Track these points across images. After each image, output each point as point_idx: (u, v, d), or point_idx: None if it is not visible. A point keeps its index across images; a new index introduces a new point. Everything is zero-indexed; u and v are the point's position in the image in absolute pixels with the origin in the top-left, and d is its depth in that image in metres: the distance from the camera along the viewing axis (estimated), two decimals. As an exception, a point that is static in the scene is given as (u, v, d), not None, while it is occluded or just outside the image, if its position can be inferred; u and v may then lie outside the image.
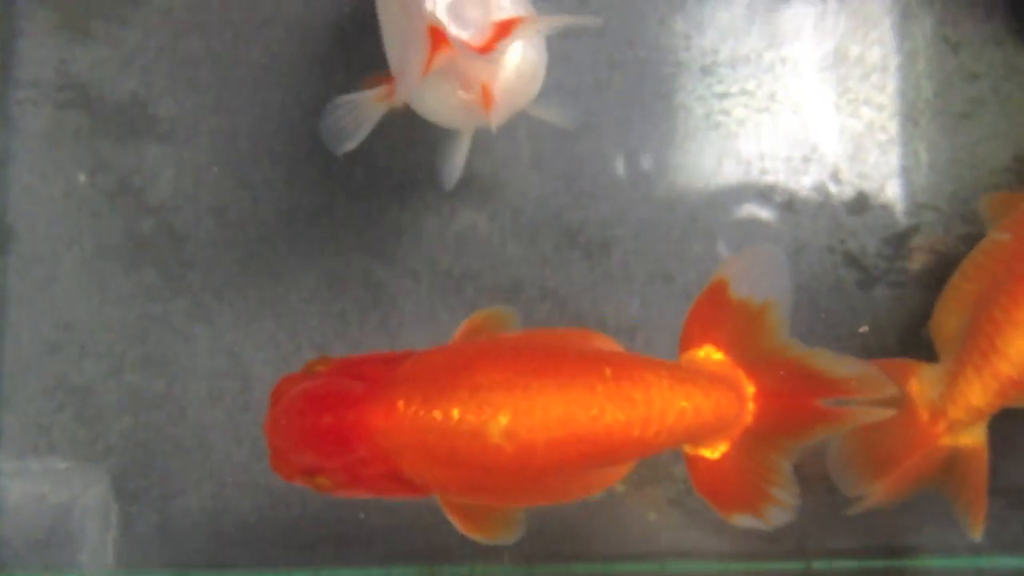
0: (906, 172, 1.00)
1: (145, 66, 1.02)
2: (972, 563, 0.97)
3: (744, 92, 1.01)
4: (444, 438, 0.71)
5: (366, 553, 0.97)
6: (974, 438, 0.85)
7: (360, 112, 0.85)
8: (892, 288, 0.99)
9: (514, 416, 0.71)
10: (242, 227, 1.00)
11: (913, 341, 0.97)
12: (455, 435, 0.71)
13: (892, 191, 1.00)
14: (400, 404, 0.72)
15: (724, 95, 1.01)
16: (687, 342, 0.79)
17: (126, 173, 1.01)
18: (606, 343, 0.79)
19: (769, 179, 1.00)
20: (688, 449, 0.79)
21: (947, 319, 0.86)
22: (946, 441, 0.85)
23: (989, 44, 1.00)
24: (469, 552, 0.97)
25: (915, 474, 0.85)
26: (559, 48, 1.01)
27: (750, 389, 0.78)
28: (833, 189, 1.00)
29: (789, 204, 1.00)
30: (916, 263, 0.99)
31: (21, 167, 1.01)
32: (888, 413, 0.75)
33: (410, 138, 1.01)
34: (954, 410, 0.84)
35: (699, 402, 0.74)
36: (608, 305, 0.99)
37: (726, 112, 1.01)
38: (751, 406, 0.77)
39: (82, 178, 1.01)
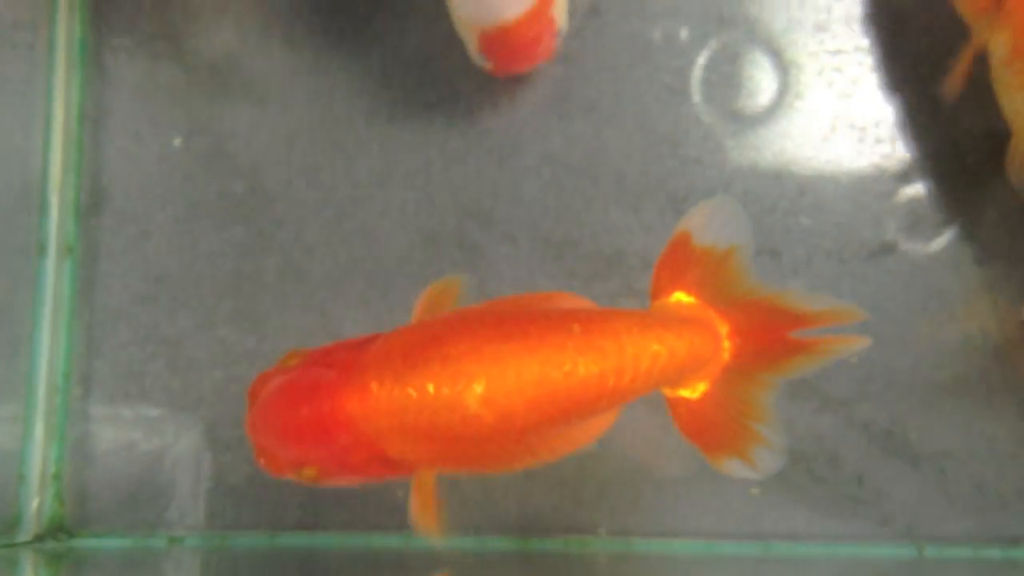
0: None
1: (239, 19, 1.00)
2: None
3: (859, 49, 0.97)
4: (422, 414, 0.71)
5: (459, 520, 0.95)
6: None
7: None
8: (1010, 264, 0.95)
9: (489, 383, 0.70)
10: (334, 188, 0.98)
11: (1034, 320, 0.94)
12: (432, 410, 0.70)
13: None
14: (373, 386, 0.71)
15: (838, 52, 0.97)
16: (657, 292, 0.79)
17: (220, 136, 0.99)
18: (574, 301, 0.79)
19: (885, 147, 0.96)
20: (668, 391, 0.78)
21: None
22: None
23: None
24: (563, 526, 0.95)
25: None
26: (668, 2, 0.98)
27: (724, 328, 0.78)
28: (951, 155, 0.96)
29: (905, 175, 0.96)
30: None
31: (116, 126, 0.99)
32: (862, 343, 0.75)
33: (514, 97, 0.98)
34: None
35: (672, 344, 0.74)
36: (713, 278, 0.96)
37: (839, 70, 0.97)
38: (727, 344, 0.77)
39: (177, 142, 0.99)
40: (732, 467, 0.77)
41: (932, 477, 0.93)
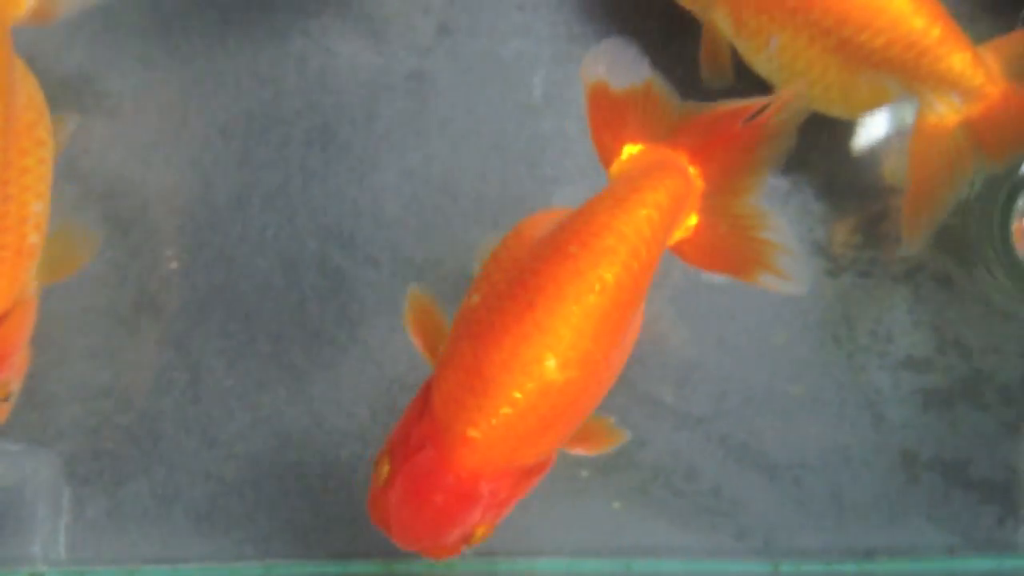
0: (876, 155, 0.97)
1: (92, 37, 0.97)
2: (945, 565, 0.96)
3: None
4: (529, 419, 0.70)
5: (323, 547, 0.95)
6: None
7: None
8: (860, 277, 0.97)
9: (552, 350, 0.69)
10: (191, 213, 0.97)
11: (883, 332, 0.96)
12: (534, 408, 0.70)
13: (862, 176, 0.97)
14: (470, 432, 0.70)
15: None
16: (607, 157, 0.79)
17: (71, 156, 0.96)
18: (549, 217, 0.78)
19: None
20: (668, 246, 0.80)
21: None
22: None
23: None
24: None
25: None
26: (518, 19, 0.98)
27: (683, 157, 0.78)
28: (802, 174, 0.97)
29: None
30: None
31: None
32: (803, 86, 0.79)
33: (371, 113, 0.97)
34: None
35: (653, 198, 0.74)
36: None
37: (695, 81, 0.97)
38: (692, 170, 0.78)
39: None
40: (771, 282, 0.78)
41: (788, 487, 0.95)
